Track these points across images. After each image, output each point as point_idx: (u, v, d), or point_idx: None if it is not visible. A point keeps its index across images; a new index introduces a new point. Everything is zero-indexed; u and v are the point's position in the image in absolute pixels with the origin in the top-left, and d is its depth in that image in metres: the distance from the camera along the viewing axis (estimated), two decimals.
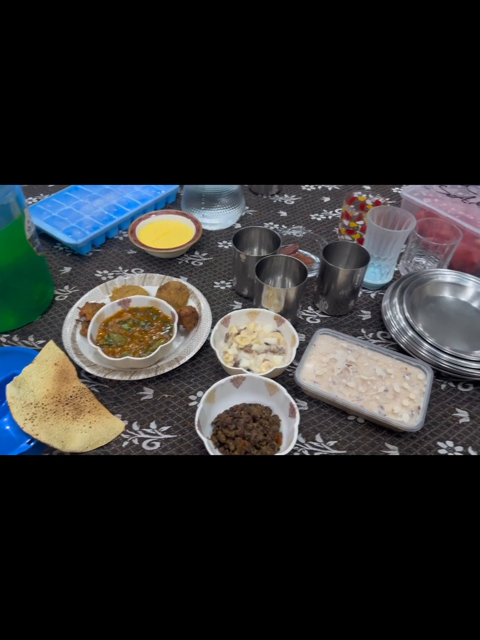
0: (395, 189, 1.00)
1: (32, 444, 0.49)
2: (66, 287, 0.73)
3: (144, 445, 0.53)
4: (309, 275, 0.75)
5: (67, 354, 0.59)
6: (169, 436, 0.54)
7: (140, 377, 0.57)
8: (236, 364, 0.59)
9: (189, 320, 0.63)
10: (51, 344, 0.57)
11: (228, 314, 0.63)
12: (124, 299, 0.64)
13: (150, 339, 0.60)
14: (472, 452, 0.53)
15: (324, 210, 0.92)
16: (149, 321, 0.63)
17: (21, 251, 0.61)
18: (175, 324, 0.60)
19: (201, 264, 0.79)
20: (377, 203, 0.80)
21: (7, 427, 0.49)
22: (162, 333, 0.61)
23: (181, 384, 0.59)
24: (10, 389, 0.50)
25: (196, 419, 0.50)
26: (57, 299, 0.71)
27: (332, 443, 0.54)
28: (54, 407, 0.51)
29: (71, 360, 0.58)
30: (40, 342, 0.64)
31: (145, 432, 0.54)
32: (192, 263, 0.79)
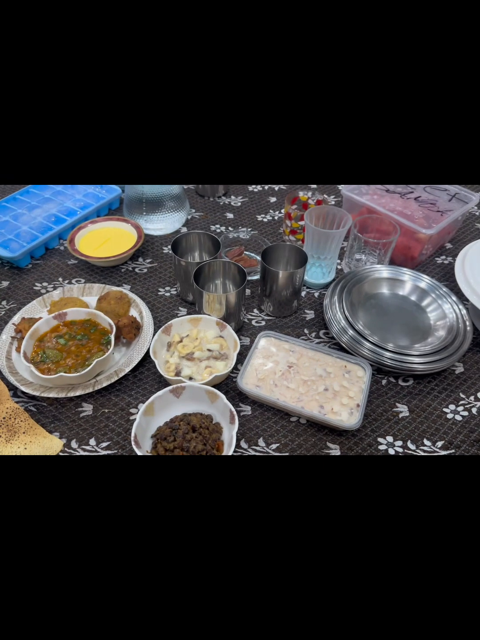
0: (341, 188, 1.01)
1: None
2: (4, 303, 0.70)
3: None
4: (254, 277, 0.75)
5: (0, 373, 0.56)
6: (109, 452, 0.53)
7: (78, 393, 0.55)
8: (178, 373, 0.58)
9: (128, 331, 0.62)
10: None
11: (169, 322, 0.62)
12: (60, 313, 0.62)
13: (88, 353, 0.59)
14: (411, 446, 0.54)
15: (270, 210, 0.92)
16: (87, 334, 0.61)
17: None
18: (112, 336, 0.59)
19: (145, 270, 0.78)
20: (318, 202, 0.81)
21: None
22: (100, 345, 0.60)
23: (122, 397, 0.58)
24: None
25: (133, 434, 0.49)
26: None
27: (274, 446, 0.54)
28: None
29: (5, 379, 0.56)
30: None
31: (84, 449, 0.53)
32: (136, 270, 0.78)
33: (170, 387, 0.54)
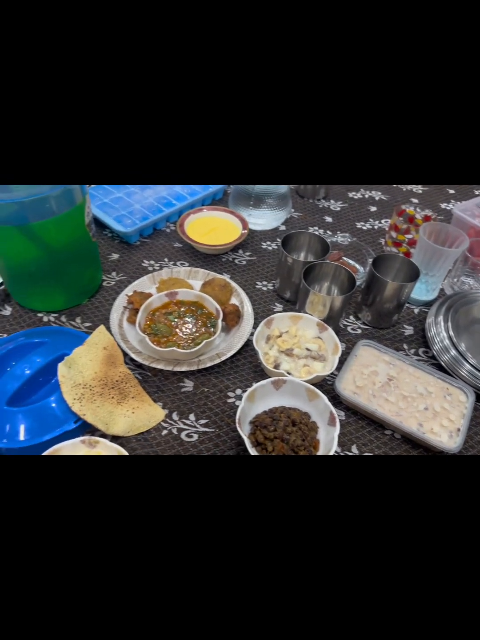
0: (443, 205, 0.98)
1: (77, 423, 0.50)
2: (114, 274, 0.75)
3: (183, 435, 0.54)
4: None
5: (114, 339, 0.60)
6: (207, 429, 0.55)
7: (183, 368, 0.58)
8: (276, 366, 0.59)
9: (232, 318, 0.64)
10: (102, 328, 0.58)
11: (271, 316, 0.63)
12: (171, 291, 0.65)
13: (194, 333, 0.61)
14: None
15: (371, 219, 0.91)
16: (194, 315, 0.64)
17: (78, 235, 0.63)
18: (219, 321, 0.61)
19: (244, 262, 0.80)
20: (426, 218, 0.79)
21: (53, 405, 0.51)
22: (206, 327, 0.62)
23: (220, 380, 0.60)
24: (61, 368, 0.52)
25: (237, 417, 0.51)
26: (104, 284, 0.73)
27: (368, 455, 0.54)
28: (100, 390, 0.53)
29: (118, 345, 0.60)
30: (87, 324, 0.66)
31: (184, 423, 0.55)
32: (236, 261, 0.80)
33: (272, 379, 0.55)
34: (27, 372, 0.52)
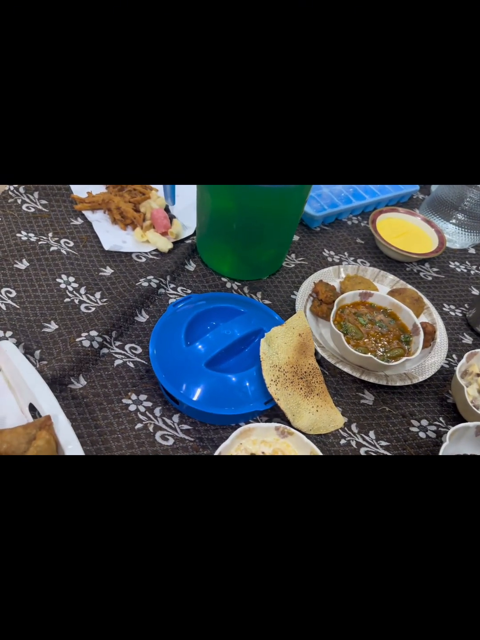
0: None
1: (268, 405, 0.48)
2: (293, 256, 0.72)
3: (361, 451, 0.50)
4: None
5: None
6: (387, 453, 0.50)
7: (371, 380, 0.53)
8: (477, 407, 0.52)
9: (427, 340, 0.58)
10: (301, 313, 0.55)
11: (474, 351, 0.56)
12: (365, 292, 0.60)
13: (387, 344, 0.56)
14: None
15: None
16: (385, 324, 0.58)
17: (294, 214, 0.59)
18: (420, 339, 0.55)
19: (430, 278, 0.73)
20: None
21: (245, 379, 0.49)
22: (399, 341, 0.57)
23: (405, 403, 0.55)
24: (263, 344, 0.49)
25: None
26: (284, 264, 0.70)
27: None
28: (291, 377, 0.50)
29: None
30: (267, 302, 0.63)
31: (364, 439, 0.51)
32: (420, 274, 0.73)
33: (476, 423, 0.49)
34: (228, 339, 0.50)
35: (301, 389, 0.50)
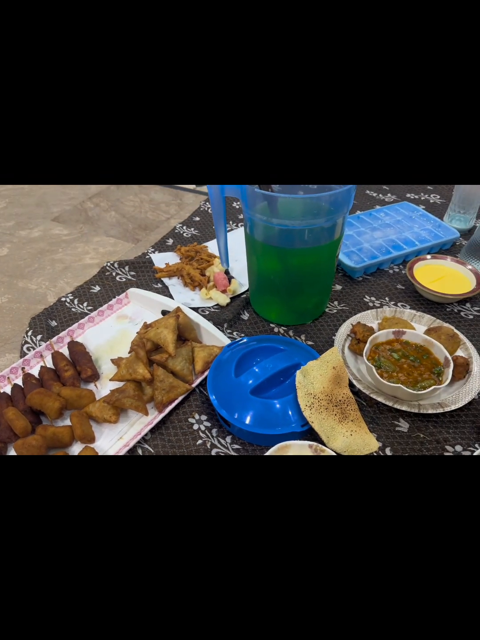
0: None
1: (304, 428, 0.56)
2: (336, 302, 0.81)
3: None
4: None
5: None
6: None
7: (403, 408, 0.58)
8: None
9: (460, 371, 0.62)
10: (335, 349, 0.64)
11: None
12: (399, 330, 0.67)
13: (420, 376, 0.61)
14: None
15: None
16: (419, 358, 0.64)
17: (328, 267, 0.70)
18: (450, 370, 0.60)
19: (471, 317, 0.76)
20: None
21: (286, 406, 0.58)
22: (431, 373, 0.62)
23: (439, 430, 0.58)
24: (298, 375, 0.58)
25: None
26: (327, 310, 0.79)
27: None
28: (326, 404, 0.57)
29: None
30: (310, 343, 0.73)
31: None
32: (461, 314, 0.77)
33: None
34: (269, 371, 0.60)
35: (336, 415, 0.58)
